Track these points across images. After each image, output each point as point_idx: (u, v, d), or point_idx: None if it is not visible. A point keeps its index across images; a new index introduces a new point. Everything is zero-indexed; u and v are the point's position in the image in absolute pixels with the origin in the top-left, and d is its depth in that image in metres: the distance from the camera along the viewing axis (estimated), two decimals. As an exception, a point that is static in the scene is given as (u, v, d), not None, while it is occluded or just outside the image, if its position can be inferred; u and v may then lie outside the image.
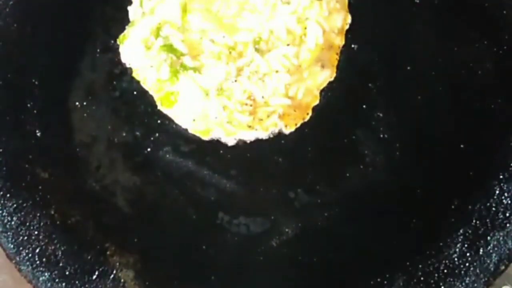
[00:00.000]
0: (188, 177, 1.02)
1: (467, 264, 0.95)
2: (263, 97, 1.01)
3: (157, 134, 1.04)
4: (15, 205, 0.97)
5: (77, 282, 0.95)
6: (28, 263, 0.95)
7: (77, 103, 1.04)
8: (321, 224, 0.99)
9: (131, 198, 1.01)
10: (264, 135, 1.02)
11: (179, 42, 1.01)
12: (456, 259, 0.96)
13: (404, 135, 1.01)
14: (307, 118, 1.02)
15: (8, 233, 0.96)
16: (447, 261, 0.96)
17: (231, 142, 1.02)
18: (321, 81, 1.03)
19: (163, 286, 0.97)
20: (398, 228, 0.98)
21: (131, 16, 1.06)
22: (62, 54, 1.05)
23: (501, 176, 0.99)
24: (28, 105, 1.02)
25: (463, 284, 0.94)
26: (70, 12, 1.05)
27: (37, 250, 0.96)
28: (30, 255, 0.95)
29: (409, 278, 0.96)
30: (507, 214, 0.97)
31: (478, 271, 0.95)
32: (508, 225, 0.96)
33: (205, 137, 1.02)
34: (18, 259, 0.95)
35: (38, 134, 1.02)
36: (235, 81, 1.01)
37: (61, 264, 0.96)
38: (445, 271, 0.94)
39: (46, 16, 1.04)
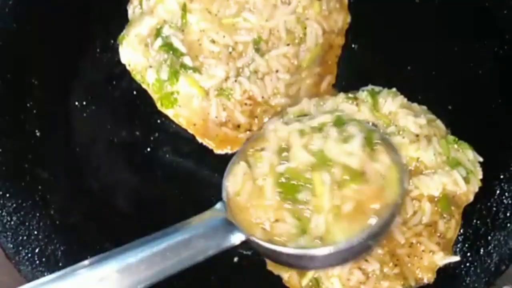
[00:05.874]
0: (188, 177, 1.02)
1: (467, 264, 0.95)
2: (263, 97, 1.01)
3: (157, 134, 1.04)
4: (15, 205, 0.97)
5: (77, 282, 0.95)
6: (27, 263, 0.95)
7: (77, 103, 1.05)
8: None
9: (131, 198, 1.01)
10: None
11: (178, 42, 1.01)
12: (456, 259, 0.95)
13: (404, 135, 1.01)
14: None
15: (8, 233, 0.95)
16: (447, 261, 0.95)
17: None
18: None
19: (163, 286, 0.97)
20: (398, 228, 0.98)
21: (130, 16, 1.06)
22: (62, 54, 1.05)
23: (501, 176, 0.99)
24: (28, 105, 1.02)
25: (464, 284, 0.94)
26: (70, 12, 1.05)
27: (37, 250, 0.96)
28: (29, 255, 0.95)
29: (409, 278, 0.95)
30: (508, 214, 0.97)
31: (478, 271, 0.94)
32: (508, 225, 0.96)
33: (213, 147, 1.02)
34: (17, 259, 0.95)
35: (38, 134, 1.02)
36: (235, 81, 1.01)
37: (61, 264, 0.95)
38: (446, 271, 0.94)
39: (46, 16, 1.04)
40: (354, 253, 0.84)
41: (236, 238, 0.83)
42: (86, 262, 0.80)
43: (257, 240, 0.82)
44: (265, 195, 0.83)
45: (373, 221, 0.81)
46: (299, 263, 0.86)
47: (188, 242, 0.82)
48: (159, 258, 0.80)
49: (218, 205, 0.86)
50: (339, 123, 0.87)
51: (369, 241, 0.83)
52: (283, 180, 0.83)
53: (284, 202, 0.83)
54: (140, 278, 0.79)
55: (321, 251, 0.81)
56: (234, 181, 0.86)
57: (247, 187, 0.85)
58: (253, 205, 0.83)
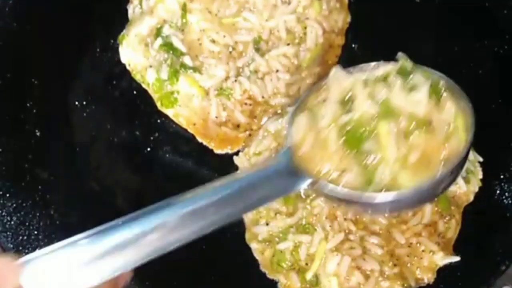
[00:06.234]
0: (188, 177, 1.02)
1: (467, 264, 0.95)
2: (263, 97, 1.01)
3: (157, 134, 1.04)
4: (14, 205, 0.97)
5: (77, 282, 0.95)
6: (28, 263, 0.95)
7: (77, 103, 1.05)
8: (321, 224, 0.99)
9: (131, 198, 1.01)
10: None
11: (178, 42, 1.01)
12: (456, 259, 0.95)
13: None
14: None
15: (8, 233, 0.95)
16: (447, 261, 0.95)
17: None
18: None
19: (163, 286, 0.97)
20: (398, 228, 0.98)
21: (130, 15, 1.06)
22: (62, 54, 1.04)
23: (501, 176, 0.99)
24: (28, 105, 1.02)
25: (464, 284, 0.94)
26: (70, 12, 1.05)
27: (37, 250, 0.96)
28: (30, 255, 0.95)
29: (409, 278, 0.95)
30: (508, 214, 0.97)
31: (478, 271, 0.94)
32: (508, 225, 0.96)
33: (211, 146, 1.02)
34: (18, 259, 0.95)
35: (38, 134, 1.02)
36: (235, 81, 1.01)
37: (60, 264, 0.95)
38: (446, 271, 0.94)
39: (46, 16, 1.04)
40: (422, 199, 0.83)
41: (304, 182, 0.80)
42: (151, 207, 0.78)
43: (326, 183, 0.79)
44: (329, 146, 0.80)
45: (440, 169, 0.79)
46: (366, 209, 0.84)
47: (256, 185, 0.79)
48: (228, 201, 0.77)
49: (282, 153, 0.83)
50: (404, 72, 0.84)
51: (435, 188, 0.81)
52: (347, 130, 0.80)
53: (348, 153, 0.79)
54: (208, 222, 0.76)
55: (392, 195, 0.78)
56: (296, 132, 0.83)
57: (310, 138, 0.81)
58: (317, 156, 0.80)
